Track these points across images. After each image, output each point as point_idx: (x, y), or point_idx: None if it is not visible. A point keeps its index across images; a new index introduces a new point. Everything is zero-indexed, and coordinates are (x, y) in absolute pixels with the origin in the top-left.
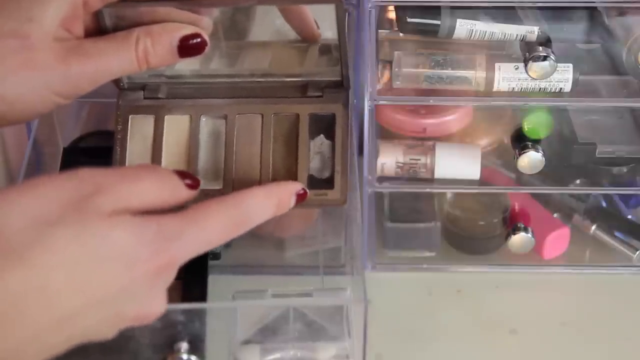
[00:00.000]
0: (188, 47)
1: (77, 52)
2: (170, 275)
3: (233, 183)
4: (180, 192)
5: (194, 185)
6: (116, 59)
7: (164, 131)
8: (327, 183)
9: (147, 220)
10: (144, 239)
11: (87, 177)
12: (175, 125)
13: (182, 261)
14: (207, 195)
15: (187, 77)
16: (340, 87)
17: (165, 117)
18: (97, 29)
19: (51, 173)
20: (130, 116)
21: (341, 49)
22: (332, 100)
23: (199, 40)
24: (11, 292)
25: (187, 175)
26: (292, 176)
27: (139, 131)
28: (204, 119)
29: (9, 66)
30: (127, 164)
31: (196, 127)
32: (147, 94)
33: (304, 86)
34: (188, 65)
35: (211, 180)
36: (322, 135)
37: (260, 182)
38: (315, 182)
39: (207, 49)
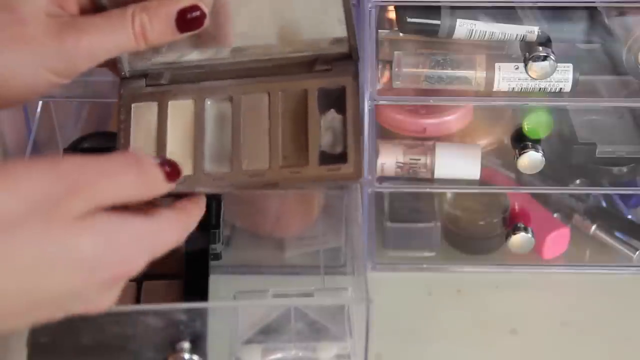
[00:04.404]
0: (187, 21)
1: (70, 27)
2: (128, 278)
3: (242, 165)
4: (159, 186)
5: (173, 175)
6: (112, 35)
7: (168, 117)
8: (340, 158)
9: (119, 225)
10: (111, 246)
11: (65, 173)
12: (180, 111)
13: (143, 266)
14: (214, 180)
15: (189, 61)
16: (349, 59)
17: (169, 102)
18: (94, 10)
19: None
20: (133, 105)
21: (347, 21)
22: (342, 74)
23: (198, 13)
24: None
25: (169, 164)
26: (304, 154)
27: (142, 119)
28: (209, 103)
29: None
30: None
31: (201, 111)
32: (149, 81)
33: (311, 61)
34: (190, 48)
35: (220, 164)
36: (332, 110)
37: (270, 163)
38: (327, 158)
39: (206, 22)
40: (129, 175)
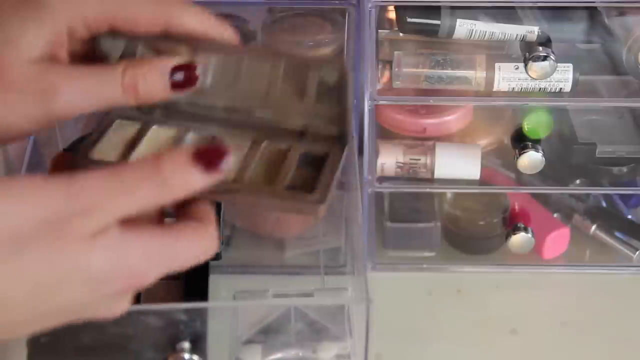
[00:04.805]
0: (180, 80)
1: (54, 74)
2: (139, 289)
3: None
4: (175, 193)
5: (213, 161)
6: (98, 86)
7: (145, 137)
8: (308, 189)
9: (133, 241)
10: (122, 262)
11: (76, 191)
12: (159, 134)
13: (156, 279)
14: None
15: (182, 106)
16: (341, 139)
17: (153, 127)
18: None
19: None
20: (117, 120)
21: (346, 116)
22: (329, 145)
23: (191, 72)
24: None
25: (208, 152)
26: (272, 182)
27: (119, 132)
28: (190, 134)
29: None
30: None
31: (180, 138)
32: (142, 109)
33: (301, 132)
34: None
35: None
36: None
37: (235, 175)
38: (294, 188)
39: (198, 82)
40: (146, 189)
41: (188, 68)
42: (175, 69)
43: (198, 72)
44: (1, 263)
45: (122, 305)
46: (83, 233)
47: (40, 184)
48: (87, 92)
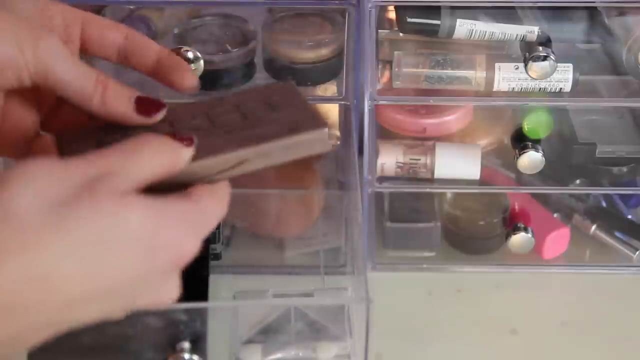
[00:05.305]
0: (145, 104)
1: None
2: (185, 263)
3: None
4: (180, 154)
5: (189, 140)
6: (79, 65)
7: None
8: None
9: (164, 206)
10: (161, 225)
11: (94, 158)
12: None
13: (196, 250)
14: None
15: None
16: None
17: None
18: None
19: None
20: None
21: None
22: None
23: (157, 100)
24: (11, 280)
25: (180, 137)
26: None
27: None
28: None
29: None
30: None
31: None
32: None
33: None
34: None
35: None
36: None
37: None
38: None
39: (160, 114)
40: (149, 151)
41: (156, 102)
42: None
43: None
44: (45, 233)
45: (175, 286)
46: (115, 191)
47: (62, 161)
48: (68, 63)
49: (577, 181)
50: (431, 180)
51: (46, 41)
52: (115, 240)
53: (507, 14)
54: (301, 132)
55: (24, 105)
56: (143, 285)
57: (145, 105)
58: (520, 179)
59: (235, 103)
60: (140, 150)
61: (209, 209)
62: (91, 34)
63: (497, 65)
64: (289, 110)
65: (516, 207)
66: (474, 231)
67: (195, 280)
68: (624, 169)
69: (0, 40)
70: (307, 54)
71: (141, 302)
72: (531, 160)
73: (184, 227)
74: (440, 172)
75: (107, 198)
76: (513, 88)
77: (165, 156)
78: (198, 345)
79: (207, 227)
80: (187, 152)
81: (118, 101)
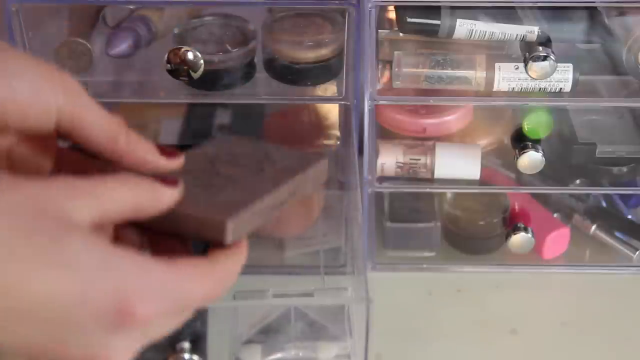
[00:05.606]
0: (166, 148)
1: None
2: (139, 329)
3: None
4: (161, 194)
5: (173, 183)
6: (101, 113)
7: None
8: None
9: (133, 258)
10: (115, 272)
11: (53, 182)
12: None
13: (153, 317)
14: None
15: None
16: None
17: None
18: None
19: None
20: None
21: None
22: None
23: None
24: None
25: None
26: None
27: None
28: None
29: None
30: None
31: None
32: None
33: None
34: None
35: None
36: None
37: None
38: None
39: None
40: (126, 186)
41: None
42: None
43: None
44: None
45: (120, 347)
46: (65, 215)
47: (30, 182)
48: (95, 104)
49: (577, 181)
50: (431, 180)
51: (72, 83)
52: (48, 259)
53: (507, 14)
54: (312, 165)
55: (37, 151)
56: (75, 328)
57: (165, 149)
58: (520, 179)
59: (229, 159)
60: (111, 182)
61: (192, 282)
62: None
63: (497, 65)
64: (282, 156)
65: (516, 207)
66: (474, 231)
67: None
68: (624, 169)
69: (29, 78)
70: (307, 54)
71: (70, 350)
72: (531, 160)
73: (149, 285)
74: (440, 172)
75: (53, 221)
76: (513, 88)
77: (141, 194)
78: (198, 345)
79: (180, 299)
80: (170, 193)
81: (142, 142)
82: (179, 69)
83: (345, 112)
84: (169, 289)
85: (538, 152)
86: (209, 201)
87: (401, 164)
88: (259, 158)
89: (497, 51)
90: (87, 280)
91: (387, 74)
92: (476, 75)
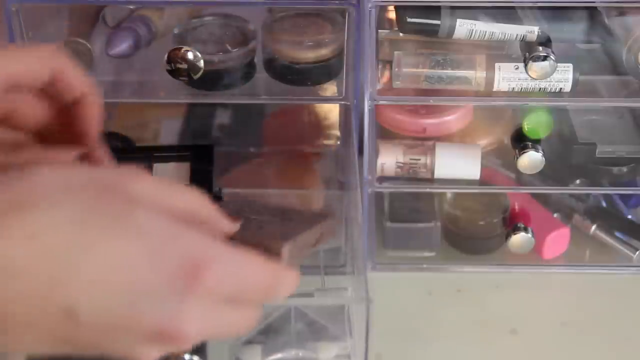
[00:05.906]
0: None
1: None
2: (207, 307)
3: None
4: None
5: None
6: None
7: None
8: None
9: (189, 228)
10: (180, 235)
11: (127, 168)
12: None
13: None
14: None
15: None
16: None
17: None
18: None
19: None
20: None
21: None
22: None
23: None
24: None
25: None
26: None
27: None
28: None
29: None
30: None
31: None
32: None
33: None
34: None
35: None
36: None
37: None
38: None
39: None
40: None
41: None
42: None
43: None
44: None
45: (194, 314)
46: (132, 194)
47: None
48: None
49: (577, 181)
50: (431, 180)
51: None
52: (116, 228)
53: (507, 14)
54: (328, 218)
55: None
56: (142, 292)
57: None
58: (520, 179)
59: (253, 209)
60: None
61: (254, 269)
62: None
63: (497, 65)
64: (294, 215)
65: (516, 207)
66: (474, 231)
67: None
68: (624, 169)
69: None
70: (307, 54)
71: (146, 320)
72: (531, 160)
73: (215, 257)
74: (440, 172)
75: (119, 195)
76: (513, 88)
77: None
78: (198, 345)
79: (246, 285)
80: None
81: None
82: (179, 69)
83: (345, 112)
84: (234, 263)
85: (538, 152)
86: (256, 234)
87: (401, 164)
88: (279, 210)
89: (497, 51)
90: (155, 247)
91: (387, 74)
92: (476, 75)
